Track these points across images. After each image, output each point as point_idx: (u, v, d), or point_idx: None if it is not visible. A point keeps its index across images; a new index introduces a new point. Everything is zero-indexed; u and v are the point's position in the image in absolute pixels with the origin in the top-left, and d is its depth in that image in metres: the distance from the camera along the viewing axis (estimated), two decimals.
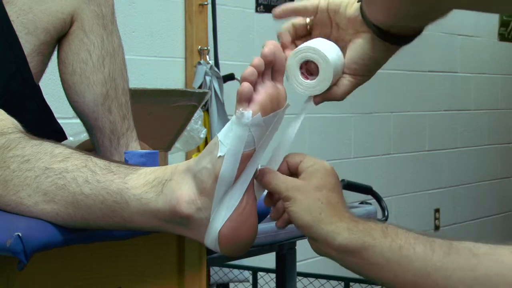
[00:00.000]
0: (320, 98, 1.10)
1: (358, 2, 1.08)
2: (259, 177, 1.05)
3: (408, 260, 0.96)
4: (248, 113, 0.99)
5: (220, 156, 1.00)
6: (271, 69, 1.03)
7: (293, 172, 1.06)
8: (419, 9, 0.96)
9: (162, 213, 1.03)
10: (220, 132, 1.01)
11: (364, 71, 1.10)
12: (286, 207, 1.03)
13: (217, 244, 1.02)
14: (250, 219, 1.03)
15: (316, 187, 1.02)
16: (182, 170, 1.03)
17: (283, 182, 1.04)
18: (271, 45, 1.02)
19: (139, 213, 1.04)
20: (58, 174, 1.07)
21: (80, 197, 1.06)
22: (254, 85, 1.00)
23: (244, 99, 0.99)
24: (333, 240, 1.00)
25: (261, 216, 1.18)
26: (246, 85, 0.99)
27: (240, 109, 0.99)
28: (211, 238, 1.02)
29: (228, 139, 1.00)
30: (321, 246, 1.02)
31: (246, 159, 1.00)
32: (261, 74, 1.01)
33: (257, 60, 1.00)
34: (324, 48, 1.07)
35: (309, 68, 1.09)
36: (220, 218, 1.01)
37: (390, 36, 1.06)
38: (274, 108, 1.02)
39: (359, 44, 1.09)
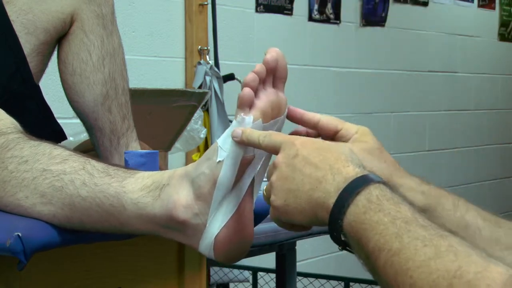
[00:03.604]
0: None
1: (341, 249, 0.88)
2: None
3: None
4: (249, 118, 0.98)
5: (219, 162, 0.99)
6: (273, 76, 1.02)
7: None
8: None
9: (158, 218, 1.02)
10: (220, 137, 1.00)
11: None
12: None
13: (212, 250, 1.01)
14: (247, 226, 1.02)
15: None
16: (180, 175, 1.02)
17: None
18: (273, 52, 1.01)
19: (136, 217, 1.03)
20: (56, 176, 1.07)
21: (77, 200, 1.05)
22: (256, 91, 0.99)
23: (246, 104, 0.99)
24: None
25: (261, 217, 1.18)
26: (247, 90, 0.98)
27: (241, 114, 0.98)
28: (205, 244, 1.02)
29: (227, 144, 0.99)
30: None
31: (245, 165, 1.00)
32: (262, 81, 1.00)
33: (259, 67, 1.00)
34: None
35: None
36: (217, 224, 1.01)
37: None
38: (275, 115, 1.02)
39: None
